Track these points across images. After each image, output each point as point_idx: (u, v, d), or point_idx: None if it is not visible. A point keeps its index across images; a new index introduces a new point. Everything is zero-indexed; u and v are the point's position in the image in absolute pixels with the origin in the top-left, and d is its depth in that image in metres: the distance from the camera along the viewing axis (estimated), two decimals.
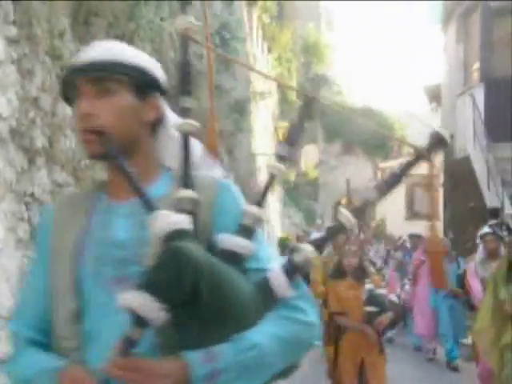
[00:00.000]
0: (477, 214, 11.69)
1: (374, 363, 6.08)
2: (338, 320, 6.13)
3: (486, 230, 8.39)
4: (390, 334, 13.33)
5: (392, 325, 6.33)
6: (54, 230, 1.75)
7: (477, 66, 15.23)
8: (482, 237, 8.33)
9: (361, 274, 6.16)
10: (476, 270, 7.70)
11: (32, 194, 4.03)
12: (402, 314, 6.34)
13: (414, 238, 12.61)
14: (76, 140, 4.77)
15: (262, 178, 16.64)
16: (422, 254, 11.01)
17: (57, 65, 4.62)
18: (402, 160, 26.18)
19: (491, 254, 7.89)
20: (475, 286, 7.56)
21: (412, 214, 25.92)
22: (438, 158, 20.59)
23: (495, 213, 11.29)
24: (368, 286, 6.08)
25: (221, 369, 1.49)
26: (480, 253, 8.47)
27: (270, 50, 22.32)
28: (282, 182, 22.97)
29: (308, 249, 1.62)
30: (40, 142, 4.23)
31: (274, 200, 19.56)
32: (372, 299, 5.99)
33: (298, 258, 1.62)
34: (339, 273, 6.30)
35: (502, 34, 15.63)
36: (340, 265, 6.35)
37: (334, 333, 6.19)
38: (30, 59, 4.23)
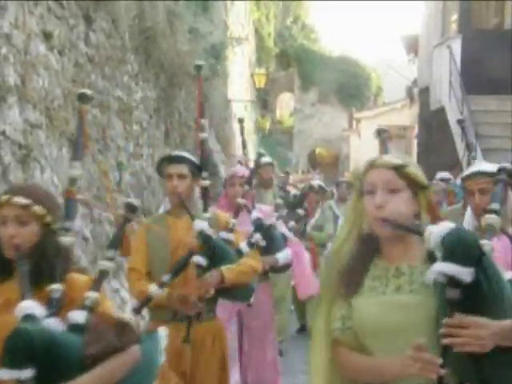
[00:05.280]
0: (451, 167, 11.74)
1: None
2: None
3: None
4: None
5: None
6: None
7: (455, 17, 15.15)
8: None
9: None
10: None
11: (3, 132, 3.96)
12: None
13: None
14: (49, 79, 4.68)
15: (237, 124, 16.56)
16: None
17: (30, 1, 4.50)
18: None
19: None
20: None
21: None
22: (414, 109, 20.62)
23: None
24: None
25: None
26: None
27: None
28: (256, 129, 22.89)
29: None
30: (12, 79, 4.14)
31: (249, 147, 19.56)
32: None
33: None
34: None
35: None
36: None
37: None
38: None
